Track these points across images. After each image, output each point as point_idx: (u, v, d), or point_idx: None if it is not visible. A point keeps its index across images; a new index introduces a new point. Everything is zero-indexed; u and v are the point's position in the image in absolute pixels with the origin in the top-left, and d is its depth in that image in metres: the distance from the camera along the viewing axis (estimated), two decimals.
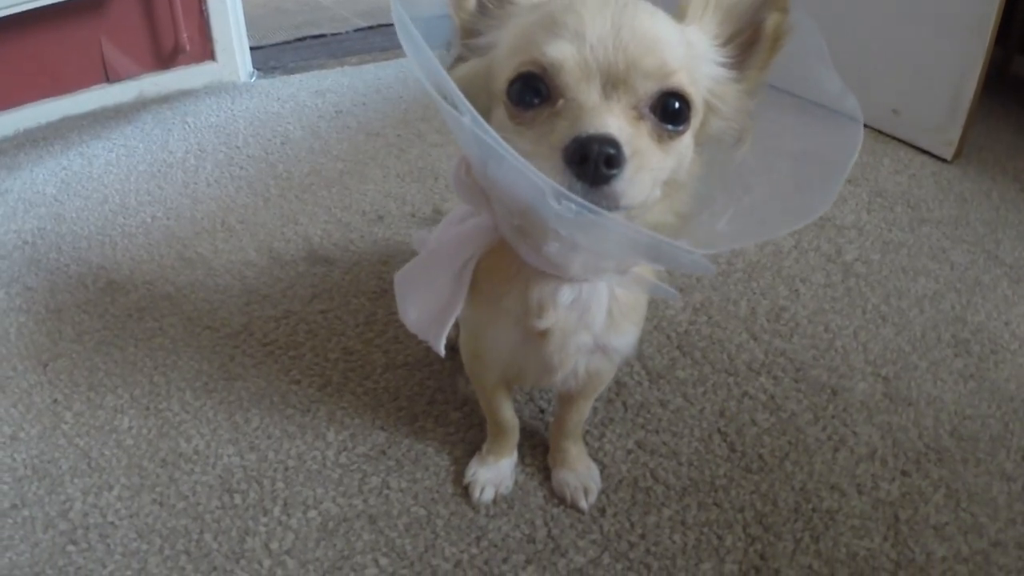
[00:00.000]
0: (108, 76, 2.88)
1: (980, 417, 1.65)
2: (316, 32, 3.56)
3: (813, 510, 1.44)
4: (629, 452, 1.53)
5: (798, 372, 1.73)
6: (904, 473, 1.52)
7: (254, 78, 3.14)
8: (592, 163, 0.80)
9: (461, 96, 0.78)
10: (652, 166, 0.86)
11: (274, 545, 1.36)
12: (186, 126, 2.75)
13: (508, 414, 1.40)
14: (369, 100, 2.97)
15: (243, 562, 1.33)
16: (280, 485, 1.46)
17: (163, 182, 2.42)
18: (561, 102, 0.86)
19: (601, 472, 1.48)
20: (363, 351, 1.75)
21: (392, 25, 0.87)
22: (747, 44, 0.99)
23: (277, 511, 1.41)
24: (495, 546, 1.36)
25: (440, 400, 1.62)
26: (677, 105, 0.88)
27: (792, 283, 1.98)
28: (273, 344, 1.77)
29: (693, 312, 1.89)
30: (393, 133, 2.72)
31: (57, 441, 1.55)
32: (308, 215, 2.24)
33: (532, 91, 0.87)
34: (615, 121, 0.84)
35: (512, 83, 0.88)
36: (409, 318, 1.18)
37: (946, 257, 2.13)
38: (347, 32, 3.59)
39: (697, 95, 0.91)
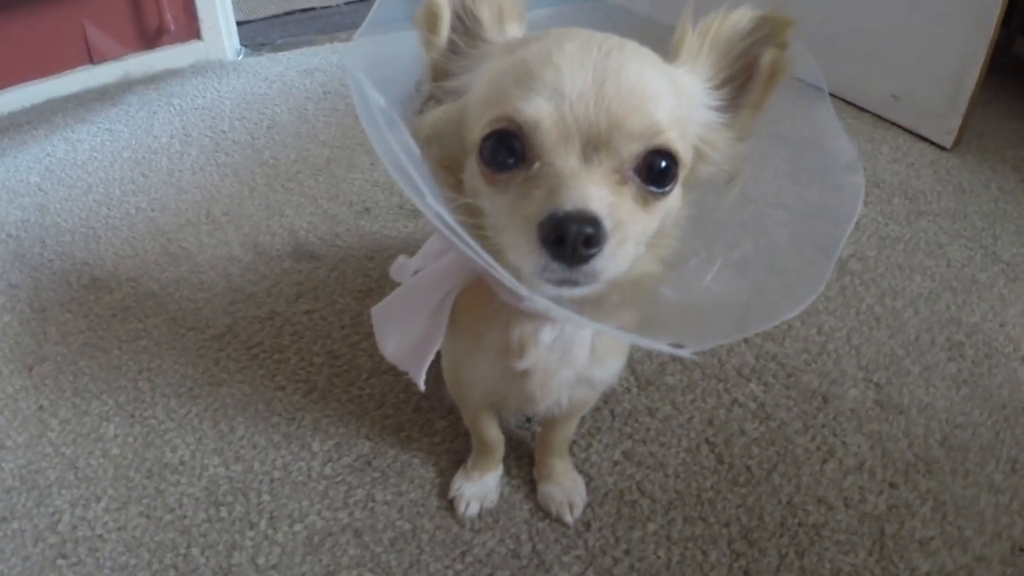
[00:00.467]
0: (92, 57, 2.86)
1: (971, 426, 1.67)
2: (305, 5, 3.52)
3: (799, 524, 1.46)
4: (616, 463, 1.54)
5: (789, 378, 1.74)
6: (892, 485, 1.54)
7: (241, 56, 3.12)
8: (570, 245, 0.76)
9: (421, 185, 0.76)
10: (635, 235, 0.82)
11: (261, 560, 1.38)
12: (172, 108, 2.74)
13: (493, 432, 1.42)
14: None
15: None
16: (266, 497, 1.48)
17: (147, 170, 2.41)
18: (537, 165, 0.81)
19: (587, 485, 1.49)
20: (349, 355, 1.76)
21: None
22: (742, 83, 0.95)
23: (263, 524, 1.43)
24: (480, 562, 1.38)
25: (426, 408, 1.64)
26: (664, 164, 0.83)
27: (787, 280, 1.99)
28: (258, 347, 1.78)
29: None
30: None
31: (44, 450, 1.56)
32: (294, 206, 2.24)
33: (506, 150, 0.82)
34: (596, 191, 0.79)
35: (484, 141, 0.83)
36: (388, 351, 1.16)
37: (943, 253, 2.14)
38: (337, 5, 3.55)
39: (686, 150, 0.86)
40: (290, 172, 2.40)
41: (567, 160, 0.80)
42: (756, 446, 1.59)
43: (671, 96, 0.85)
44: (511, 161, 0.82)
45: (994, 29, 2.37)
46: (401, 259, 1.27)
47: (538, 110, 0.79)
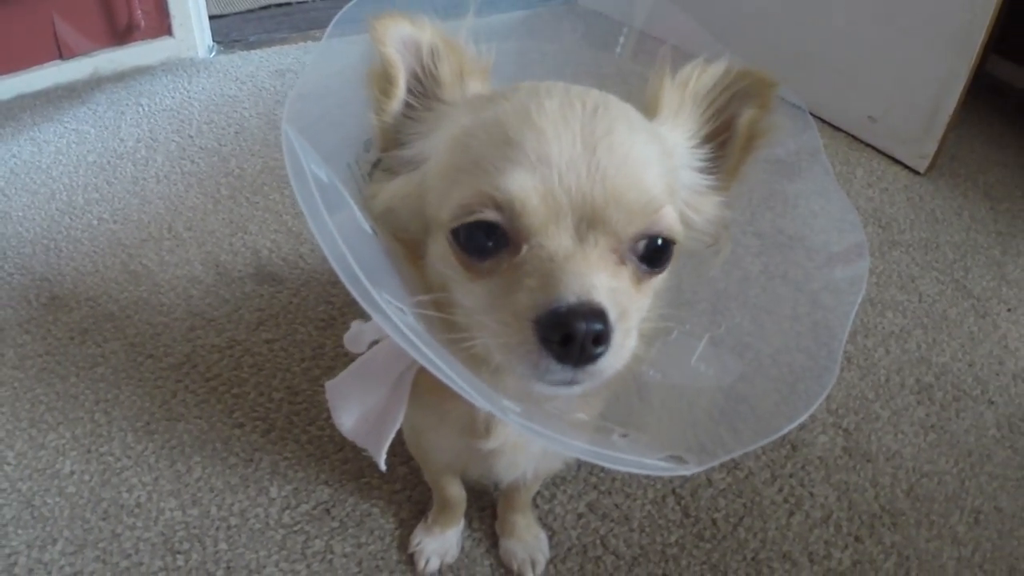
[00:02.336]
0: (62, 53, 2.75)
1: (937, 474, 1.65)
2: (281, 0, 3.41)
3: None
4: (580, 516, 1.50)
5: (759, 423, 1.69)
6: (857, 539, 1.51)
7: (214, 53, 3.02)
8: (578, 345, 0.65)
9: (377, 300, 0.63)
10: (636, 322, 0.73)
11: None
12: (140, 109, 2.64)
13: (455, 491, 1.37)
14: (331, 84, 2.86)
15: None
16: (223, 546, 1.42)
17: (112, 176, 2.32)
18: (525, 248, 0.70)
19: (550, 539, 1.45)
20: (308, 391, 1.69)
21: None
22: (723, 142, 0.87)
23: (220, 574, 1.38)
24: None
25: (387, 454, 1.57)
26: (660, 242, 0.74)
27: (758, 315, 1.94)
28: (216, 379, 1.71)
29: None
30: (354, 124, 2.62)
31: (0, 485, 1.50)
32: (258, 222, 2.16)
33: (486, 233, 0.70)
34: (598, 277, 0.68)
35: (459, 231, 0.72)
36: (344, 428, 1.05)
37: (915, 287, 2.10)
38: (312, 0, 3.45)
39: (678, 226, 0.76)
40: (256, 184, 2.31)
41: (560, 240, 0.69)
42: (723, 497, 1.55)
43: (662, 160, 0.76)
44: (491, 244, 0.71)
45: (976, 54, 2.33)
46: (355, 326, 1.08)
47: (523, 186, 0.68)
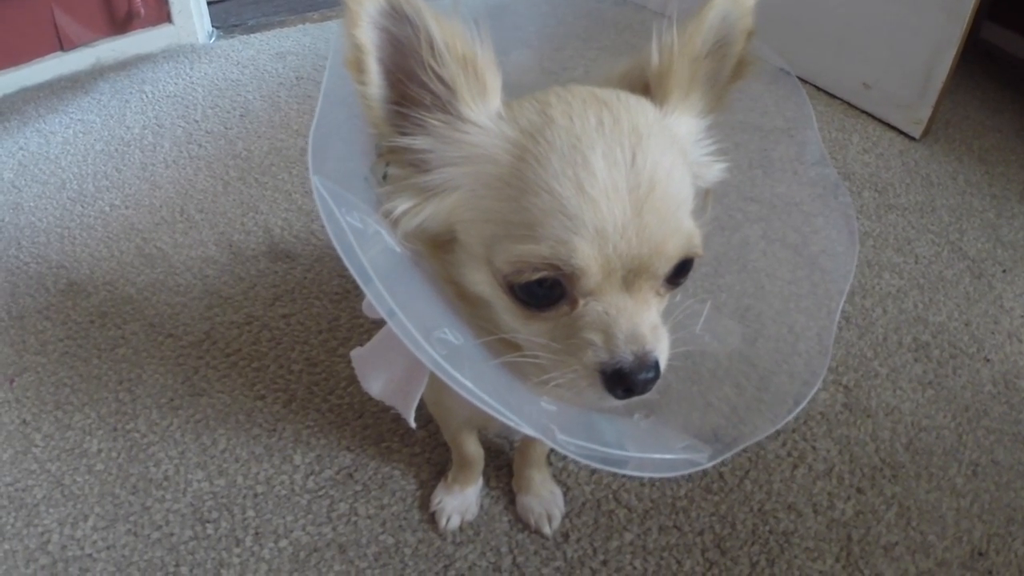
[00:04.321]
0: (63, 44, 2.82)
1: (935, 429, 1.73)
2: None
3: (770, 532, 1.51)
4: (593, 473, 1.58)
5: (761, 380, 1.77)
6: (859, 491, 1.59)
7: (213, 38, 3.09)
8: (639, 391, 0.80)
9: (418, 338, 0.74)
10: (667, 336, 0.85)
11: None
12: (144, 96, 2.71)
13: (472, 448, 1.45)
14: (333, 50, 2.93)
15: None
16: (251, 513, 1.50)
17: (120, 163, 2.40)
18: (582, 303, 0.81)
19: (565, 495, 1.53)
20: (327, 361, 1.78)
21: None
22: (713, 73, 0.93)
23: (249, 541, 1.46)
24: (462, 575, 1.42)
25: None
26: (686, 263, 0.84)
27: (758, 278, 2.02)
28: (236, 354, 1.79)
29: None
30: (356, 103, 2.69)
31: (30, 467, 1.58)
32: (268, 202, 2.24)
33: (547, 289, 0.80)
34: (646, 323, 0.81)
35: (520, 285, 0.81)
36: (373, 391, 1.14)
37: (911, 249, 2.18)
38: None
39: (699, 241, 0.85)
40: (264, 164, 2.39)
41: (612, 297, 0.81)
42: None
43: (686, 175, 0.84)
44: (552, 297, 0.81)
45: (968, 19, 2.39)
46: None
47: (586, 257, 0.77)
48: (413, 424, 1.14)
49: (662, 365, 0.82)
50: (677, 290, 0.89)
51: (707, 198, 0.98)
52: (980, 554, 1.52)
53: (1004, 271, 2.17)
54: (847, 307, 1.97)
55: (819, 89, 2.79)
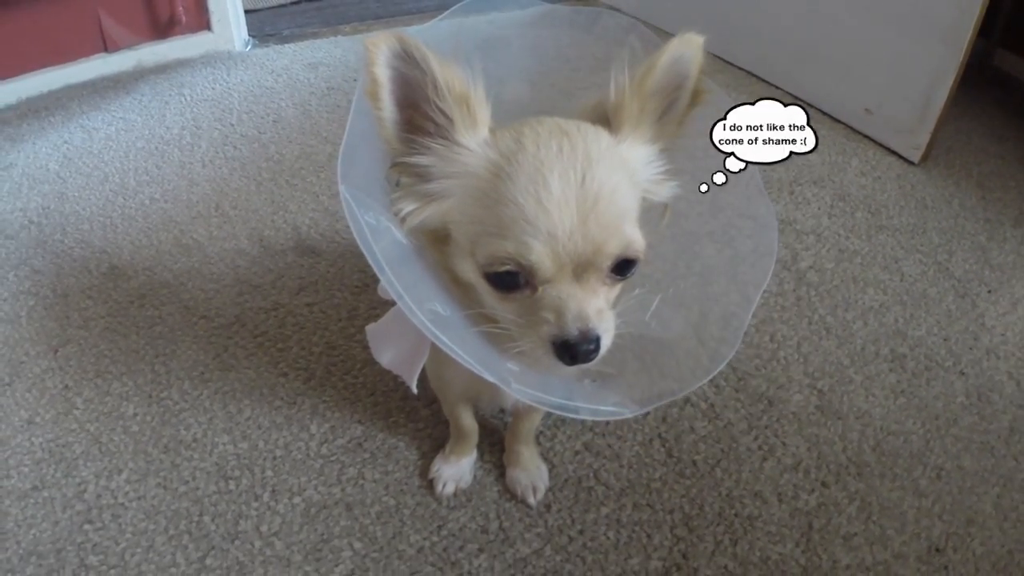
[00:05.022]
0: (107, 46, 3.11)
1: (904, 434, 1.91)
2: None
3: (735, 515, 1.72)
4: (576, 453, 1.81)
5: (740, 381, 2.00)
6: (824, 484, 1.79)
7: (249, 47, 3.37)
8: (581, 360, 1.03)
9: (404, 295, 1.00)
10: (613, 317, 1.08)
11: (264, 528, 1.65)
12: (182, 99, 2.99)
13: (468, 421, 1.69)
14: (360, 76, 3.19)
15: (237, 542, 1.62)
16: (269, 473, 1.75)
17: (160, 161, 2.67)
18: (541, 289, 1.04)
19: (550, 471, 1.76)
20: (344, 346, 2.03)
21: None
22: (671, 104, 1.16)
23: (266, 497, 1.70)
24: (453, 535, 1.65)
25: (412, 397, 1.90)
26: (630, 259, 1.07)
27: (745, 289, 2.24)
28: (263, 336, 2.05)
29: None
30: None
31: (70, 426, 1.83)
32: (297, 202, 2.51)
33: (512, 278, 1.04)
34: (592, 306, 1.04)
35: (492, 273, 1.05)
36: (384, 361, 1.44)
37: (898, 268, 2.39)
38: None
39: (640, 246, 1.07)
40: (294, 168, 2.66)
41: (564, 285, 1.04)
42: (703, 443, 1.85)
43: (630, 192, 1.08)
44: (516, 283, 1.05)
45: (966, 47, 2.59)
46: None
47: (540, 255, 1.00)
48: (415, 390, 1.42)
49: (605, 341, 1.06)
50: (626, 281, 1.13)
51: (665, 211, 1.23)
52: (937, 550, 1.68)
53: (989, 291, 2.33)
54: (829, 319, 2.19)
55: (823, 113, 3.01)
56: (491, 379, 1.04)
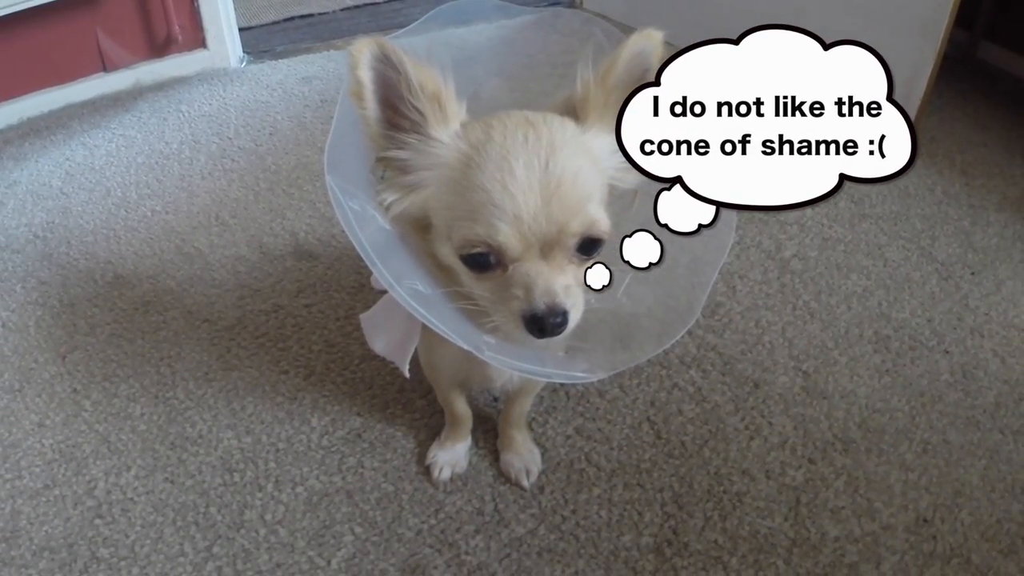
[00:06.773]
0: (105, 66, 3.21)
1: (889, 411, 1.98)
2: (304, 12, 3.86)
3: (724, 492, 1.79)
4: (568, 437, 1.89)
5: (726, 366, 2.08)
6: (811, 461, 1.86)
7: (244, 63, 3.46)
8: (548, 332, 1.10)
9: (385, 273, 1.10)
10: (581, 293, 1.14)
11: (268, 516, 1.72)
12: (181, 115, 3.08)
13: (461, 408, 1.76)
14: (345, 80, 3.28)
15: (243, 531, 1.70)
16: (272, 465, 1.82)
17: (161, 174, 2.76)
18: (511, 268, 1.11)
19: (542, 455, 1.83)
20: (343, 343, 2.11)
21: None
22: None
23: (270, 487, 1.78)
24: (451, 518, 1.72)
25: (408, 389, 1.98)
26: (593, 240, 1.14)
27: (731, 279, 2.33)
28: (264, 336, 2.13)
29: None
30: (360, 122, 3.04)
31: (79, 427, 1.91)
32: (294, 210, 2.59)
33: (484, 258, 1.12)
34: (559, 282, 1.11)
35: (466, 255, 1.13)
36: (377, 348, 1.54)
37: (881, 254, 2.46)
38: (333, 12, 3.88)
39: (605, 227, 1.14)
40: (291, 178, 2.74)
41: (532, 263, 1.11)
42: (691, 425, 1.92)
43: (594, 176, 1.15)
44: (488, 263, 1.13)
45: (942, 39, 2.67)
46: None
47: (507, 235, 1.08)
48: (407, 374, 1.52)
49: (573, 315, 1.13)
50: (593, 259, 1.20)
51: (635, 196, 1.29)
52: (925, 521, 1.74)
53: (973, 273, 2.40)
54: (813, 304, 2.26)
55: None
56: (467, 348, 1.13)
